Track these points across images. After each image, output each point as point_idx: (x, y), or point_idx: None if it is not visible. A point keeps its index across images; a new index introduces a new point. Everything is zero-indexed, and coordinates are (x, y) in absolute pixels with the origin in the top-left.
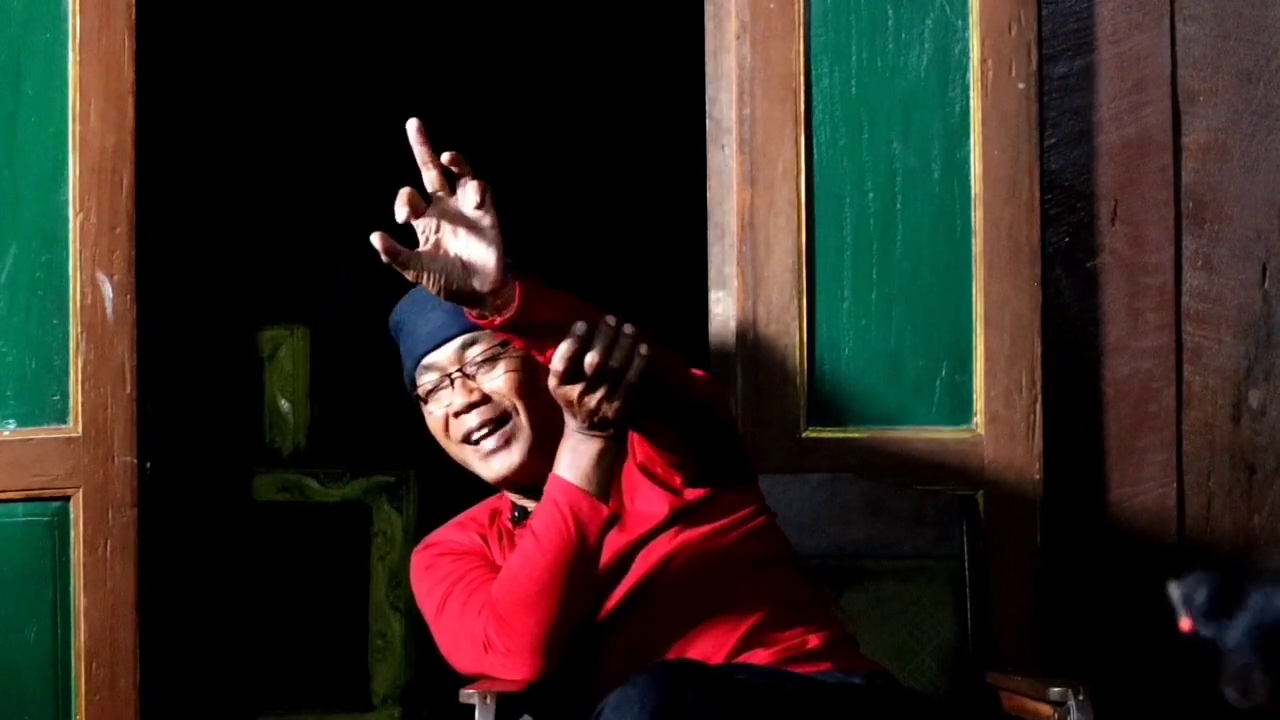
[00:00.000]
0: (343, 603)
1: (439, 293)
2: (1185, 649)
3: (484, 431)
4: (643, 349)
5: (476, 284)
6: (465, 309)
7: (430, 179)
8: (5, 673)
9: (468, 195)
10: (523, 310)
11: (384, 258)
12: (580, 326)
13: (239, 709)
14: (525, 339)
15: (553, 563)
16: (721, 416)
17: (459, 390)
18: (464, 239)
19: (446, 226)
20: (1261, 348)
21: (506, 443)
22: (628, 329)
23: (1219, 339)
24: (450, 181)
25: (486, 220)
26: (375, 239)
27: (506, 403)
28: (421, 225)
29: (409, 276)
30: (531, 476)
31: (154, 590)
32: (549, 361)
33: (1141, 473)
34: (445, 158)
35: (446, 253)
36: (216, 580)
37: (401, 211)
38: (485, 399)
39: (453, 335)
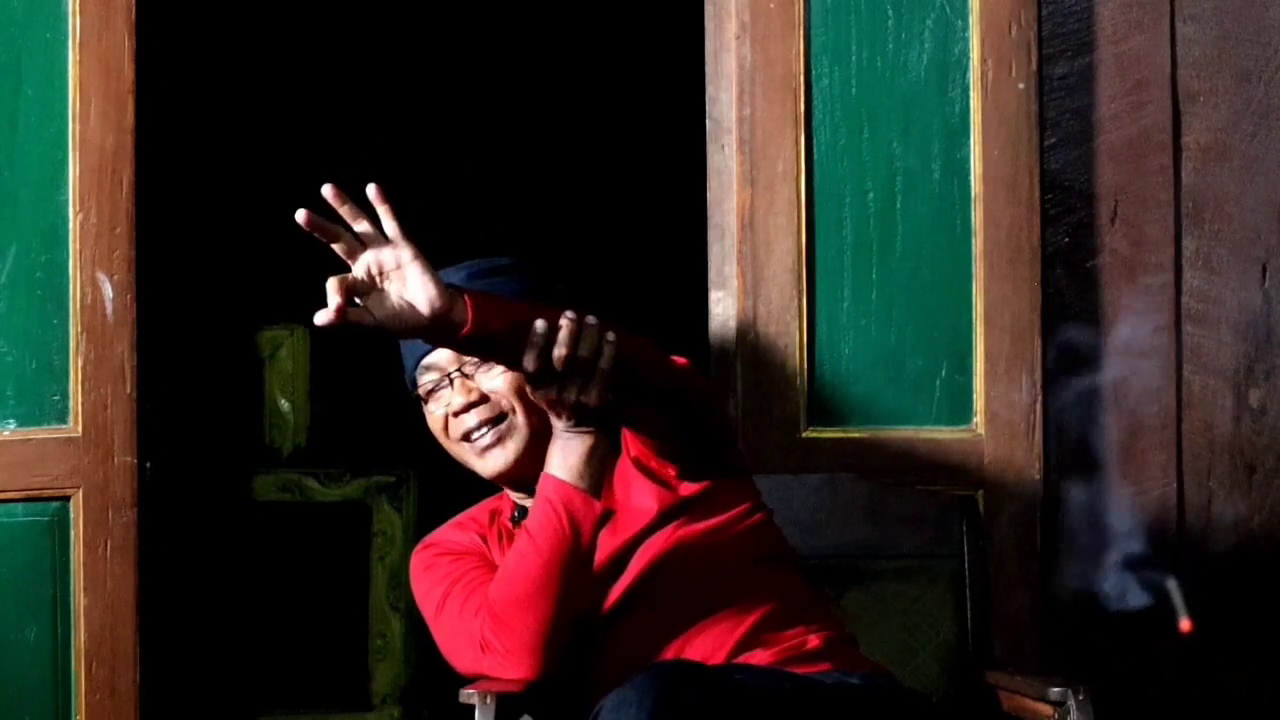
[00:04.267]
0: (343, 603)
1: (395, 333)
2: (1185, 649)
3: (482, 431)
4: (610, 335)
5: (425, 310)
6: (424, 340)
7: (362, 229)
8: (5, 673)
9: (388, 228)
10: (477, 322)
11: (337, 325)
12: (540, 324)
13: (239, 709)
14: (491, 353)
15: (548, 560)
16: (704, 400)
17: (458, 390)
18: (396, 278)
19: (376, 274)
20: (1261, 348)
21: (501, 439)
22: (590, 319)
23: (1219, 339)
24: (376, 224)
25: (408, 253)
26: (320, 318)
27: (504, 402)
28: (353, 278)
29: (367, 323)
30: (528, 473)
31: (154, 590)
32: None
33: (1141, 473)
34: (371, 192)
35: (387, 295)
36: (216, 580)
37: (334, 301)
38: (484, 398)
39: None
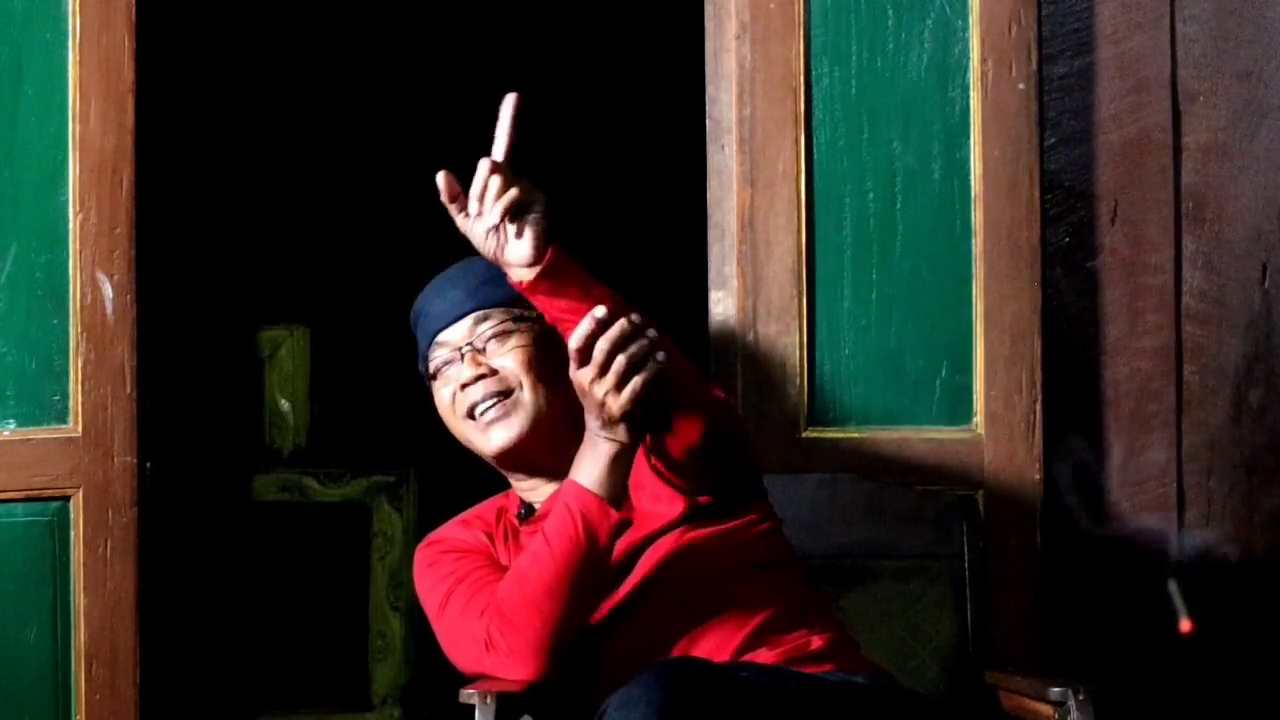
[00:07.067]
0: (343, 603)
1: (479, 248)
2: (1185, 649)
3: (488, 404)
4: (660, 355)
5: (515, 260)
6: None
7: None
8: (5, 673)
9: (500, 148)
10: (552, 266)
11: (443, 198)
12: (601, 310)
13: (239, 709)
14: (549, 303)
15: (561, 564)
16: (729, 440)
17: (468, 364)
18: (519, 220)
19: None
20: (1261, 348)
21: (506, 414)
22: (651, 332)
23: (1219, 339)
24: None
25: (539, 204)
26: (440, 178)
27: (513, 378)
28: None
29: (459, 221)
30: (532, 453)
31: (154, 590)
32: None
33: (1141, 473)
34: (510, 101)
35: (504, 222)
36: (216, 580)
37: (442, 186)
38: (492, 372)
39: (467, 312)
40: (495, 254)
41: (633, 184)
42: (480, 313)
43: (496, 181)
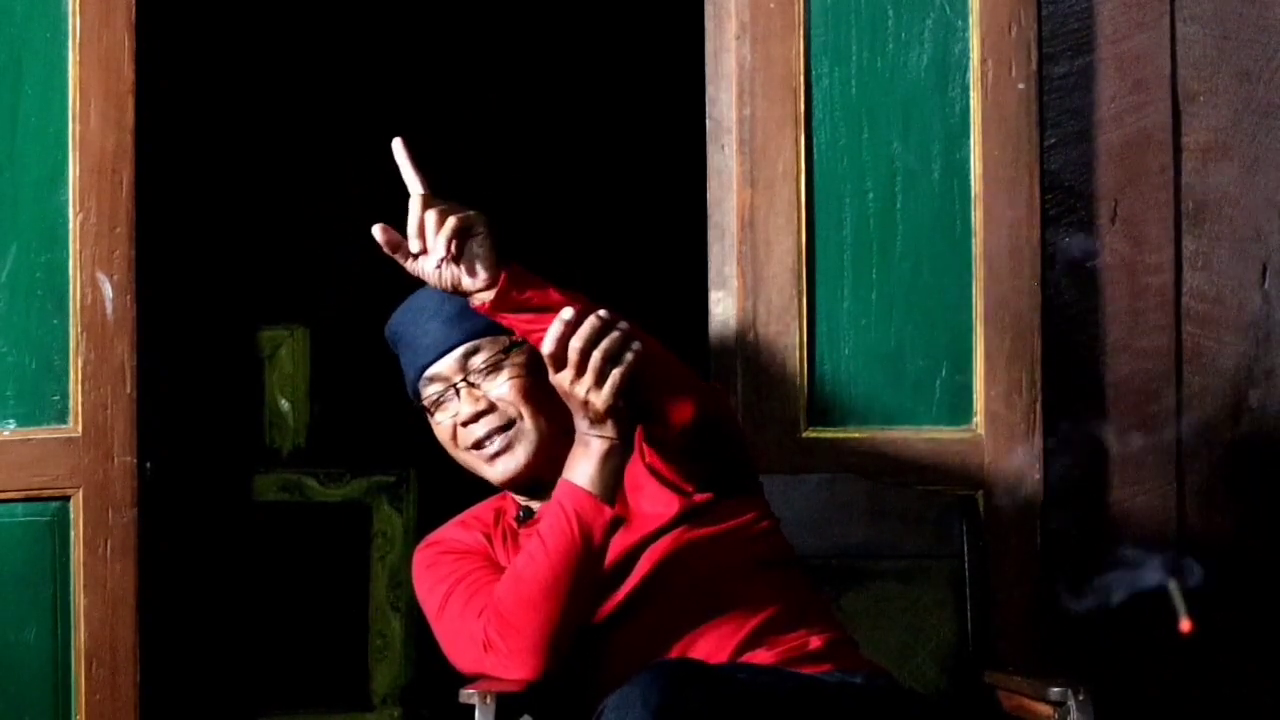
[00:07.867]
0: (343, 603)
1: (431, 284)
2: (1185, 649)
3: (491, 438)
4: (635, 345)
5: (469, 286)
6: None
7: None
8: (5, 673)
9: (412, 185)
10: (509, 283)
11: (386, 250)
12: (568, 312)
13: (239, 709)
14: (516, 319)
15: (557, 564)
16: (724, 429)
17: (465, 399)
18: (465, 246)
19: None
20: (1261, 348)
21: (510, 445)
22: (622, 324)
23: (1219, 339)
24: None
25: (481, 225)
26: (377, 231)
27: (512, 409)
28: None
29: (410, 270)
30: (537, 479)
31: (154, 590)
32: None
33: (1141, 473)
34: (396, 146)
35: (451, 258)
36: (216, 580)
37: (381, 239)
38: (491, 407)
39: (454, 345)
40: (452, 285)
41: (633, 184)
42: (470, 345)
43: (432, 215)
